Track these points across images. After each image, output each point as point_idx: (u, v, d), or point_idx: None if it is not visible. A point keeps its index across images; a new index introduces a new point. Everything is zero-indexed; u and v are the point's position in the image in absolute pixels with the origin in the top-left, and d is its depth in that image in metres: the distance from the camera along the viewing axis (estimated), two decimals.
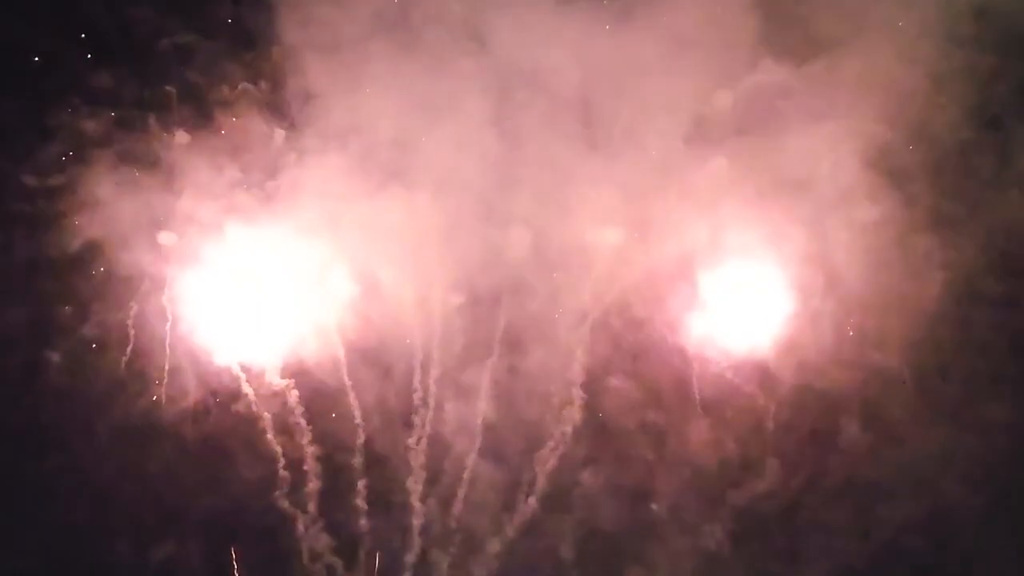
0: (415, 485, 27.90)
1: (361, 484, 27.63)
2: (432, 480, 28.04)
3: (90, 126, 28.06)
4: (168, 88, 28.03)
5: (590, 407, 26.88)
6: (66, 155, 27.52)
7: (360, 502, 27.68)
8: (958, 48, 24.52)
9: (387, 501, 27.92)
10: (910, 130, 25.09)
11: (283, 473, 27.43)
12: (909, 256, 25.10)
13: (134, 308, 27.59)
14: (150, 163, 27.83)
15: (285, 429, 27.56)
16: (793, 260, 25.75)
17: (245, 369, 27.82)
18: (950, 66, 24.54)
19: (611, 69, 25.68)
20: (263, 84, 27.75)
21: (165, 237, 27.96)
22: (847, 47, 25.31)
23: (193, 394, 27.13)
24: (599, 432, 26.90)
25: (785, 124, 25.95)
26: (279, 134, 27.97)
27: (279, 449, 27.31)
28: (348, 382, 27.40)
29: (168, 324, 27.85)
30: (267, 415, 27.50)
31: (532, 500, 27.58)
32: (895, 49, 24.87)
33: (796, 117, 25.86)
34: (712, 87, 26.24)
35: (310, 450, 27.47)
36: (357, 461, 27.52)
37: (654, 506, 27.20)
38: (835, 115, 25.61)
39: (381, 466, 27.87)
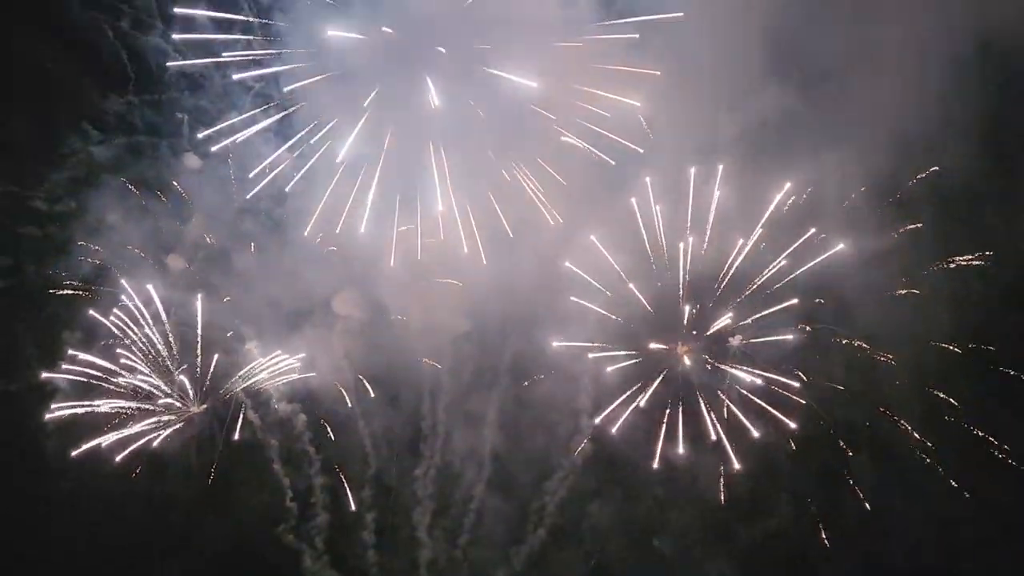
0: (423, 516, 27.66)
1: (370, 517, 27.52)
2: (440, 511, 27.82)
3: (101, 151, 28.45)
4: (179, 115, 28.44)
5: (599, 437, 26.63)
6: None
7: (367, 535, 27.48)
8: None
9: (394, 532, 27.74)
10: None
11: (289, 504, 27.44)
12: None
13: (141, 332, 27.60)
14: (160, 188, 28.09)
15: (292, 458, 27.50)
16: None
17: (251, 395, 27.82)
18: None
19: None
20: (272, 111, 28.00)
21: (174, 261, 28.15)
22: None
23: (199, 421, 26.98)
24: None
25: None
26: (287, 160, 28.10)
27: (287, 480, 27.15)
28: (357, 409, 27.25)
29: (175, 348, 27.82)
30: (274, 443, 27.47)
31: (541, 532, 27.42)
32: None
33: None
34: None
35: (318, 480, 27.35)
36: (366, 494, 27.33)
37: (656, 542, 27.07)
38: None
39: (389, 496, 27.66)
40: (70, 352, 25.94)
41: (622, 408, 25.26)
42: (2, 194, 27.75)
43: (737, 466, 24.77)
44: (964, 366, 25.00)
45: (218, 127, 26.09)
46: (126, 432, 25.55)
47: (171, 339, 27.26)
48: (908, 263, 24.94)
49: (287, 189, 26.05)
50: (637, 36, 24.51)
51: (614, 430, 25.41)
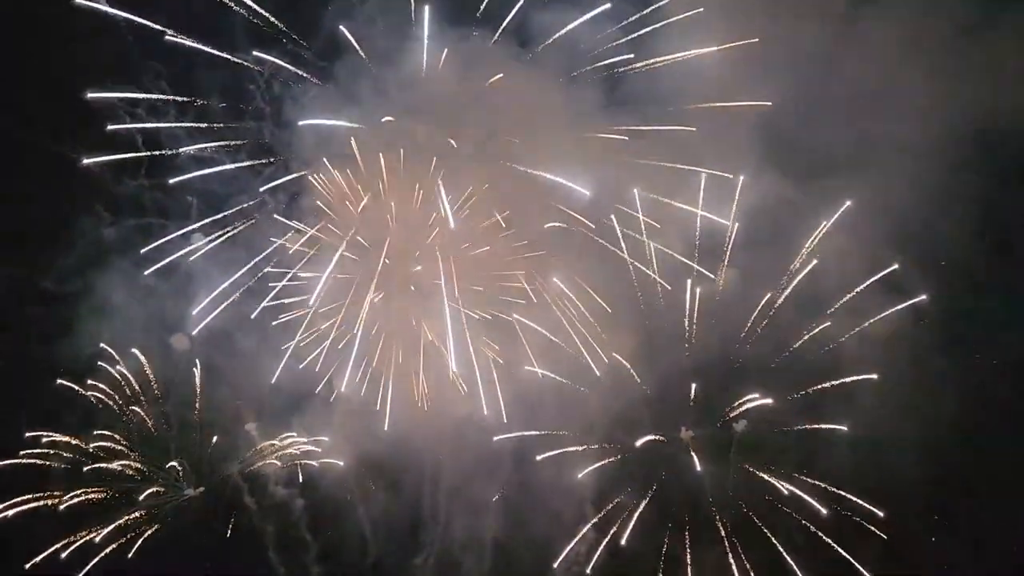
0: None
1: None
2: None
3: (111, 233, 28.86)
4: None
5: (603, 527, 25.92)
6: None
7: None
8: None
9: None
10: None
11: None
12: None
13: (139, 414, 27.55)
14: (166, 269, 28.34)
15: (288, 544, 26.83)
16: None
17: (248, 478, 27.44)
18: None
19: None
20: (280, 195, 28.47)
21: (177, 341, 28.20)
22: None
23: (195, 507, 26.54)
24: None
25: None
26: (293, 242, 28.38)
27: (282, 569, 26.43)
28: (355, 494, 26.77)
29: (174, 430, 27.67)
30: (270, 528, 26.88)
31: None
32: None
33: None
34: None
35: (315, 570, 26.56)
36: None
37: None
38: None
39: None
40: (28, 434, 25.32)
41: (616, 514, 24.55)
42: (11, 275, 28.09)
43: None
44: (975, 458, 24.59)
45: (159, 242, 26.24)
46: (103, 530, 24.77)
47: (169, 420, 27.24)
48: (913, 354, 24.79)
49: (252, 316, 25.79)
50: (694, 129, 24.07)
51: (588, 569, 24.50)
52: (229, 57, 26.33)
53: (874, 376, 24.57)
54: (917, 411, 24.27)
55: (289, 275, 25.36)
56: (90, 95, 25.01)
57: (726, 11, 24.62)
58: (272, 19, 25.88)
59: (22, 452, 25.69)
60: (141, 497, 25.83)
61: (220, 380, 27.67)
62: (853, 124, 26.48)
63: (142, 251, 26.36)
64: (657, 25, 24.82)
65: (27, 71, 29.04)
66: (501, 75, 24.99)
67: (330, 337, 24.96)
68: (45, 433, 26.30)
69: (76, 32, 27.98)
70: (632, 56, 24.79)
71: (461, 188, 23.64)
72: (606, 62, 25.41)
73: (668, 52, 24.81)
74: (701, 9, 24.03)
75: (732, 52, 24.55)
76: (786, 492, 24.06)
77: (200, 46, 25.48)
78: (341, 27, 25.73)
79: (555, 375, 25.21)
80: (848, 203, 24.70)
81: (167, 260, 27.83)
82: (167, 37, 25.23)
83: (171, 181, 25.83)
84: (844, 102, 26.54)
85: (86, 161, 25.69)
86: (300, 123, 25.11)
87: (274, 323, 25.85)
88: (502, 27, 25.51)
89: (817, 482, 24.24)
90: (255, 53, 26.21)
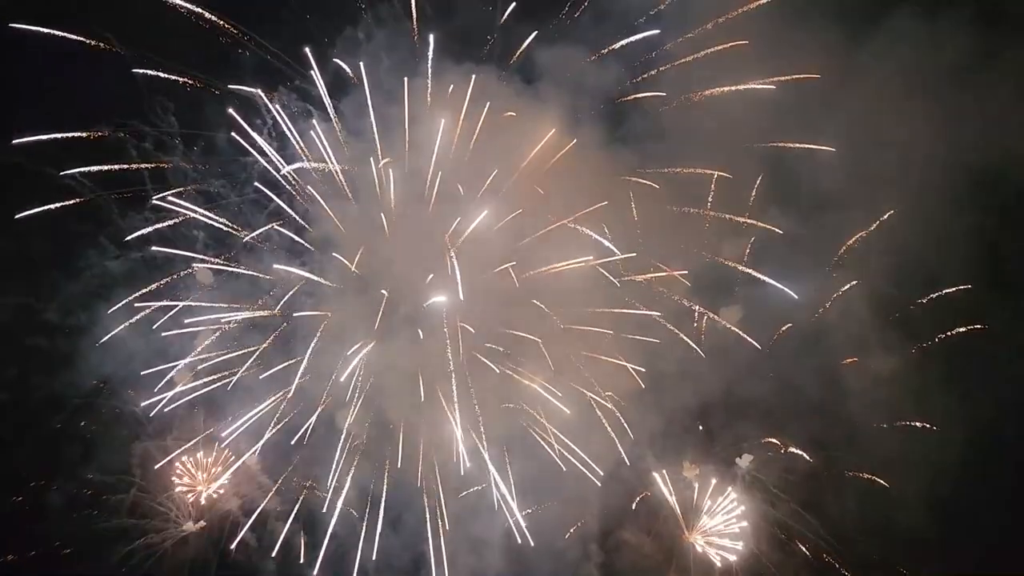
0: None
1: None
2: None
3: (116, 265, 28.88)
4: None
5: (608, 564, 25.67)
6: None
7: None
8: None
9: None
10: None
11: None
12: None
13: (139, 448, 27.36)
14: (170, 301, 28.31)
15: None
16: None
17: (248, 513, 27.15)
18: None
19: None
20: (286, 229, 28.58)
21: (178, 378, 28.05)
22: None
23: (194, 543, 26.22)
24: None
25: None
26: (297, 278, 28.44)
27: None
28: (359, 531, 26.46)
29: (174, 465, 27.45)
30: (271, 567, 26.51)
31: None
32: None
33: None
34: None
35: None
36: None
37: None
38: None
39: None
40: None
41: None
42: (17, 306, 28.04)
43: None
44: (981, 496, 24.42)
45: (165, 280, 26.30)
46: None
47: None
48: (918, 390, 24.78)
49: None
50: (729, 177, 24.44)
51: None
52: (233, 92, 26.67)
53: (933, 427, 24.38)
54: (922, 448, 24.17)
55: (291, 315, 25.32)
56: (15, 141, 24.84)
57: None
58: (275, 56, 26.26)
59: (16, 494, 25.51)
60: (139, 539, 25.52)
61: (220, 414, 27.49)
62: (851, 161, 26.71)
63: (147, 289, 26.24)
64: (669, 65, 25.00)
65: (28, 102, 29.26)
66: (512, 113, 25.32)
67: (331, 379, 24.88)
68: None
69: (77, 63, 28.36)
70: (665, 94, 25.03)
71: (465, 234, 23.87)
72: (637, 96, 25.64)
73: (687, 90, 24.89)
74: (745, 41, 23.98)
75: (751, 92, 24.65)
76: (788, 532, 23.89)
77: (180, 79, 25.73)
78: (343, 63, 26.14)
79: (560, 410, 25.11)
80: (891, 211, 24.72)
81: (168, 296, 28.05)
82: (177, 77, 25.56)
83: (161, 225, 25.85)
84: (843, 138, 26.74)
85: (18, 216, 25.63)
86: (303, 164, 25.23)
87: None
88: (511, 62, 25.92)
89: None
90: (259, 91, 26.62)
